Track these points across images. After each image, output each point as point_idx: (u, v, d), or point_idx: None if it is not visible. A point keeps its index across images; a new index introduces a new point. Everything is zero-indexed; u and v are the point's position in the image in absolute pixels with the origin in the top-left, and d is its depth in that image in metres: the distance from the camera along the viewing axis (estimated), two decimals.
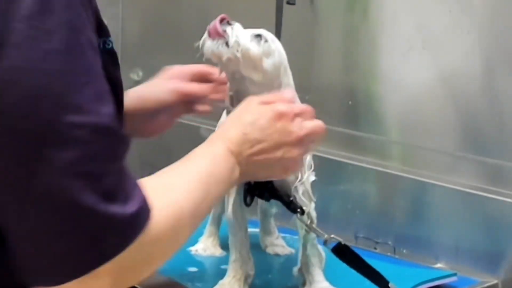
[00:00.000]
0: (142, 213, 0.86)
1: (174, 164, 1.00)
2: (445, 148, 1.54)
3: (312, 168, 1.30)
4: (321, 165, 1.37)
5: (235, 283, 1.31)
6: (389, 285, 1.22)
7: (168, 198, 0.93)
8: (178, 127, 1.93)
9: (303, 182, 1.28)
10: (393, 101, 1.63)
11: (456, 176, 1.51)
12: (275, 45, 1.22)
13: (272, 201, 1.31)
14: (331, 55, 1.74)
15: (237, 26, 1.20)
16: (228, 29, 1.18)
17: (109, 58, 0.94)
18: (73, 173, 0.80)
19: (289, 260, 1.45)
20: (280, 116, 1.10)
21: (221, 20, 1.19)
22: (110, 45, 0.95)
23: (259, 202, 1.42)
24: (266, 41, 1.21)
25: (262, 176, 1.16)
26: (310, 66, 1.76)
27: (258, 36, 1.21)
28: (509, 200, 1.41)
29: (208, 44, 1.19)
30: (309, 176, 1.29)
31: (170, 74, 1.36)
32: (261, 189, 1.27)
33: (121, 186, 0.84)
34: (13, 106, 0.79)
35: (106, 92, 0.85)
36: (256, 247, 1.49)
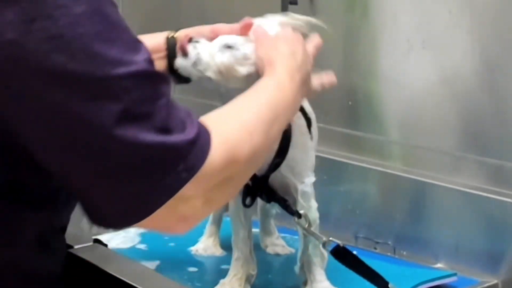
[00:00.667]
0: (202, 139, 0.92)
1: (242, 96, 1.08)
2: (445, 148, 1.54)
3: (313, 169, 1.30)
4: (321, 165, 1.37)
5: (236, 282, 1.31)
6: (389, 286, 1.22)
7: (240, 121, 1.02)
8: None
9: (303, 183, 1.28)
10: (393, 101, 1.63)
11: (457, 176, 1.51)
12: (248, 48, 1.22)
13: (273, 203, 1.31)
14: (331, 55, 1.73)
15: (201, 43, 1.20)
16: (191, 47, 1.20)
17: None
18: (127, 119, 0.87)
19: (290, 260, 1.45)
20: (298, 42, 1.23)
21: (189, 40, 1.21)
22: None
23: (260, 203, 1.43)
24: (237, 49, 1.21)
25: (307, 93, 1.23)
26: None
27: (228, 46, 1.21)
28: (509, 200, 1.41)
29: (179, 62, 1.21)
30: (310, 179, 1.29)
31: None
32: (260, 191, 1.27)
33: (173, 118, 0.91)
34: (59, 72, 0.85)
35: (136, 40, 0.91)
36: (256, 247, 1.49)
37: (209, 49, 1.20)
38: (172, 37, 1.29)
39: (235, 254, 1.32)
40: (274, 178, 1.27)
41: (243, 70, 1.21)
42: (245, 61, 1.21)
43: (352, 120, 1.69)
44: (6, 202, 0.92)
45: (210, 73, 1.20)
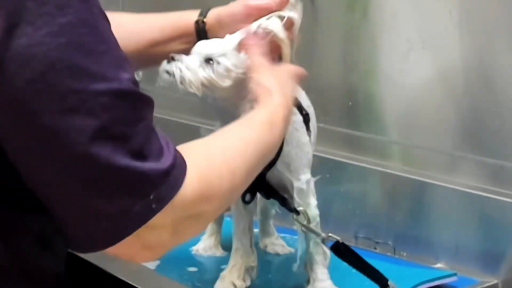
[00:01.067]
0: (179, 167, 0.90)
1: (232, 127, 1.06)
2: (445, 148, 1.54)
3: (310, 166, 1.30)
4: (321, 165, 1.38)
5: (235, 272, 1.31)
6: (388, 283, 1.22)
7: (224, 158, 0.98)
8: (178, 127, 1.93)
9: (299, 180, 1.28)
10: (393, 101, 1.63)
11: (456, 176, 1.51)
12: (229, 59, 1.22)
13: (272, 201, 1.32)
14: (331, 55, 1.74)
15: (182, 61, 1.21)
16: (174, 67, 1.21)
17: None
18: (103, 138, 0.84)
19: (289, 259, 1.45)
20: (296, 75, 1.22)
21: (170, 59, 1.22)
22: None
23: (259, 204, 1.43)
24: (218, 63, 1.22)
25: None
26: (310, 66, 1.75)
27: (208, 59, 1.22)
28: (509, 200, 1.41)
29: (166, 80, 1.22)
30: (306, 176, 1.29)
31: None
32: (259, 188, 1.27)
33: (151, 144, 0.88)
34: (37, 81, 0.82)
35: (124, 58, 0.89)
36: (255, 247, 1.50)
37: (191, 66, 1.21)
38: (202, 21, 1.27)
39: (235, 245, 1.33)
40: (271, 175, 1.27)
41: (225, 83, 1.22)
42: (226, 73, 1.22)
43: (352, 120, 1.69)
44: (6, 204, 0.92)
45: (194, 90, 1.21)
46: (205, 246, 1.50)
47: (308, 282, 1.32)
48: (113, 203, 0.86)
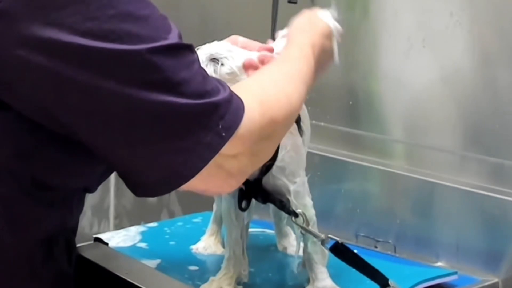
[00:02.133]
0: (235, 97, 0.98)
1: (271, 64, 1.17)
2: (446, 146, 1.54)
3: (304, 167, 1.30)
4: (322, 163, 1.38)
5: (226, 280, 1.31)
6: (389, 282, 1.22)
7: (277, 86, 1.08)
8: None
9: (295, 183, 1.28)
10: (394, 99, 1.63)
11: (457, 175, 1.51)
12: (235, 61, 1.22)
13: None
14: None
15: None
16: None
17: None
18: (169, 87, 0.92)
19: (290, 259, 1.46)
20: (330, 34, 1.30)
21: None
22: None
23: (271, 205, 1.43)
24: (222, 64, 1.21)
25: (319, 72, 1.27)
26: None
27: (213, 59, 1.22)
28: (509, 198, 1.41)
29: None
30: (302, 178, 1.29)
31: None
32: (254, 193, 1.28)
33: (208, 83, 0.96)
34: (96, 53, 0.89)
35: (165, 16, 0.97)
36: (268, 247, 1.51)
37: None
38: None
39: (227, 253, 1.33)
40: (266, 181, 1.27)
41: (229, 84, 1.20)
42: (229, 76, 1.21)
43: (353, 118, 1.69)
44: (27, 199, 0.93)
45: None
46: (205, 245, 1.50)
47: (308, 281, 1.32)
48: (186, 138, 0.93)
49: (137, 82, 0.91)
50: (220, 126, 0.95)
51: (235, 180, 1.02)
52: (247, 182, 1.27)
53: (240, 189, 1.28)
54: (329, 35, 1.27)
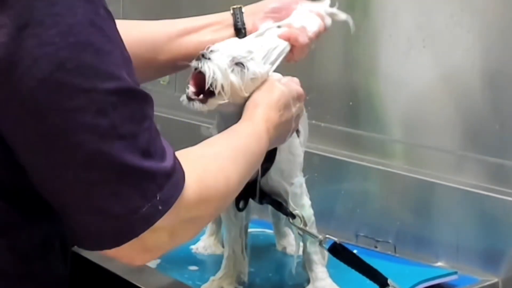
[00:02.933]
0: (179, 168, 0.91)
1: (220, 137, 1.10)
2: (446, 146, 1.54)
3: (301, 169, 1.30)
4: (322, 163, 1.38)
5: (226, 279, 1.31)
6: (388, 281, 1.22)
7: (218, 165, 1.01)
8: (178, 126, 1.93)
9: (293, 184, 1.28)
10: (394, 99, 1.63)
11: (457, 175, 1.51)
12: (257, 63, 1.20)
13: None
14: (332, 54, 1.74)
15: (212, 60, 1.17)
16: (204, 65, 1.17)
17: None
18: (113, 136, 0.85)
19: (290, 259, 1.45)
20: (300, 97, 1.24)
21: (198, 57, 1.18)
22: None
23: (270, 206, 1.43)
24: (247, 68, 1.19)
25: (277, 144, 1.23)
26: (311, 65, 1.75)
27: (238, 63, 1.19)
28: (510, 198, 1.41)
29: (193, 75, 1.18)
30: (299, 180, 1.29)
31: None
32: (252, 194, 1.28)
33: (156, 143, 0.89)
34: (47, 80, 0.83)
35: (128, 58, 0.90)
36: (267, 247, 1.51)
37: (222, 67, 1.17)
38: (240, 7, 1.30)
39: (227, 252, 1.33)
40: (264, 182, 1.27)
41: (247, 93, 1.19)
42: (251, 82, 1.19)
43: (353, 118, 1.69)
44: (12, 206, 0.92)
45: (223, 94, 1.17)
46: (205, 245, 1.50)
47: (308, 281, 1.32)
48: (122, 203, 0.86)
49: (81, 120, 0.84)
50: (158, 198, 0.88)
51: (149, 255, 0.94)
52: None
53: None
54: (287, 103, 1.19)
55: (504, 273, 1.41)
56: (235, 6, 1.29)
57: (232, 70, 1.18)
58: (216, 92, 1.17)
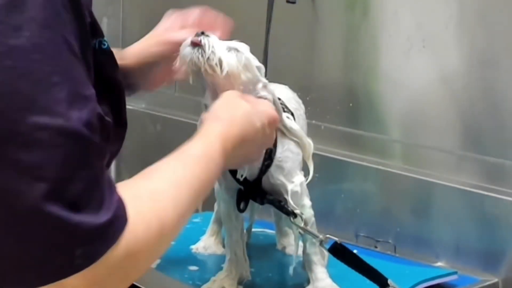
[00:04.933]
0: (116, 224, 0.79)
1: (164, 164, 0.94)
2: (446, 146, 1.54)
3: (301, 167, 1.30)
4: (322, 163, 1.38)
5: (228, 281, 1.32)
6: (388, 282, 1.22)
7: (153, 208, 0.86)
8: (178, 126, 1.93)
9: (293, 182, 1.28)
10: (393, 99, 1.63)
11: (457, 175, 1.51)
12: (249, 56, 1.21)
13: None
14: (332, 54, 1.74)
15: (213, 38, 1.19)
16: (205, 40, 1.18)
17: (107, 59, 0.93)
18: (34, 176, 0.75)
19: (290, 259, 1.45)
20: (271, 122, 1.15)
21: (201, 33, 1.19)
22: (106, 45, 0.92)
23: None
24: (242, 52, 1.20)
25: (233, 166, 1.16)
26: (311, 65, 1.76)
27: (235, 49, 1.20)
28: (509, 198, 1.41)
29: (187, 50, 1.18)
30: (299, 178, 1.29)
31: (166, 24, 1.32)
32: (253, 195, 1.28)
33: (91, 195, 0.78)
34: None
35: (84, 97, 0.79)
36: (267, 247, 1.51)
37: (221, 47, 1.19)
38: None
39: (229, 255, 1.33)
40: (265, 180, 1.27)
41: (243, 76, 1.20)
42: (246, 67, 1.20)
43: (353, 119, 1.69)
44: None
45: (218, 70, 1.17)
46: (205, 245, 1.50)
47: (308, 281, 1.32)
48: (31, 251, 0.76)
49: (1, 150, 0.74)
50: (78, 253, 0.77)
51: None
52: (246, 183, 1.27)
53: (239, 190, 1.28)
54: (253, 123, 1.10)
55: (504, 273, 1.42)
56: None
57: (229, 51, 1.19)
58: (214, 65, 1.17)
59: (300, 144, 1.28)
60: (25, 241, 0.76)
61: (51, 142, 0.75)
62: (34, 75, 0.76)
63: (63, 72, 0.78)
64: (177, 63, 1.20)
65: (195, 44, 1.18)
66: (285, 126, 1.25)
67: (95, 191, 0.78)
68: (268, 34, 1.63)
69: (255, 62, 1.22)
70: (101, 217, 0.78)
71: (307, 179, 1.30)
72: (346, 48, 1.70)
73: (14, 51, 0.75)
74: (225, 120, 1.07)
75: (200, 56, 1.17)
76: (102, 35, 0.92)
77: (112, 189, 0.81)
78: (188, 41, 1.19)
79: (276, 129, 1.24)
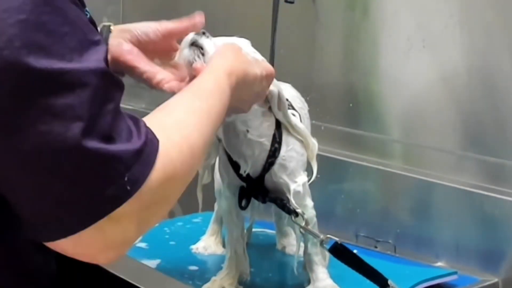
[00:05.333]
0: (150, 146, 0.85)
1: (180, 98, 1.01)
2: (446, 146, 1.54)
3: (305, 168, 1.30)
4: (322, 163, 1.37)
5: (228, 280, 1.31)
6: (388, 282, 1.22)
7: (181, 134, 0.92)
8: None
9: (296, 182, 1.28)
10: (394, 99, 1.63)
11: (457, 175, 1.51)
12: (249, 50, 1.20)
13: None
14: (332, 54, 1.74)
15: (212, 40, 1.18)
16: (206, 41, 1.18)
17: None
18: (69, 118, 0.79)
19: (290, 259, 1.45)
20: (269, 75, 1.17)
21: (203, 33, 1.19)
22: (88, 15, 0.95)
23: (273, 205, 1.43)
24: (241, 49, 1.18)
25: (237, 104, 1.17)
26: (311, 65, 1.76)
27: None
28: (509, 198, 1.41)
29: (185, 52, 1.18)
30: (302, 178, 1.29)
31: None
32: (255, 192, 1.28)
33: (119, 125, 0.83)
34: None
35: (95, 42, 0.85)
36: (267, 247, 1.51)
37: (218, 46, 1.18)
38: (109, 26, 1.21)
39: (229, 253, 1.33)
40: (267, 178, 1.27)
41: None
42: None
43: (353, 119, 1.69)
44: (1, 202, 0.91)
45: None
46: (205, 245, 1.50)
47: (308, 281, 1.32)
48: (80, 187, 0.80)
49: (31, 100, 0.79)
50: (125, 179, 0.82)
51: (114, 252, 0.86)
52: (249, 180, 1.27)
53: (241, 187, 1.28)
54: (253, 67, 1.14)
55: (504, 273, 1.42)
56: (105, 24, 1.22)
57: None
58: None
59: (304, 143, 1.28)
60: (74, 180, 0.80)
61: (77, 83, 0.80)
62: (47, 26, 0.80)
63: (71, 21, 0.82)
64: (176, 58, 1.20)
65: (194, 45, 1.17)
66: (290, 123, 1.25)
67: (122, 121, 0.84)
68: (274, 34, 1.63)
69: (256, 56, 1.21)
70: (135, 143, 0.84)
71: (310, 179, 1.30)
72: (346, 48, 1.70)
73: (25, 5, 0.79)
74: (230, 57, 1.11)
75: (196, 57, 1.17)
76: (84, 5, 0.95)
77: (136, 119, 0.87)
78: (188, 40, 1.18)
79: (282, 127, 1.25)
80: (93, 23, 0.96)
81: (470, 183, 1.48)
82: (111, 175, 0.82)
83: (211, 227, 1.52)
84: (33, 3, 0.80)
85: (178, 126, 0.94)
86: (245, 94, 1.13)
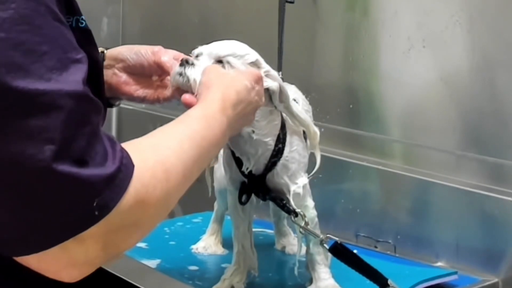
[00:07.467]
0: (124, 171, 0.84)
1: (165, 126, 0.99)
2: (446, 146, 1.54)
3: (305, 170, 1.30)
4: (322, 163, 1.37)
5: (237, 275, 1.32)
6: (388, 282, 1.22)
7: (157, 157, 0.91)
8: None
9: (296, 184, 1.28)
10: (394, 99, 1.63)
11: (457, 175, 1.51)
12: (238, 65, 1.19)
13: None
14: (332, 54, 1.74)
15: (194, 64, 1.17)
16: (186, 70, 1.16)
17: (84, 37, 0.94)
18: (41, 140, 0.78)
19: (291, 258, 1.46)
20: (258, 80, 1.17)
21: (181, 63, 1.18)
22: (84, 24, 0.95)
23: (271, 205, 1.43)
24: (229, 64, 1.18)
25: (239, 129, 1.18)
26: (311, 65, 1.76)
27: (219, 61, 1.18)
28: (509, 198, 1.41)
29: (177, 79, 1.17)
30: (303, 180, 1.29)
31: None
32: (255, 189, 1.28)
33: (94, 149, 0.82)
34: None
35: (76, 60, 0.84)
36: (266, 247, 1.51)
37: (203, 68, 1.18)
38: (102, 52, 1.22)
39: (236, 248, 1.33)
40: (269, 178, 1.28)
41: None
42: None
43: (353, 119, 1.69)
44: None
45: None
46: (205, 244, 1.50)
47: (310, 281, 1.32)
48: (48, 209, 0.80)
49: (5, 120, 0.78)
50: (94, 204, 0.81)
51: (77, 271, 0.85)
52: (251, 177, 1.27)
53: (243, 182, 1.28)
54: (243, 83, 1.13)
55: (504, 273, 1.42)
56: (100, 49, 1.21)
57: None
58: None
59: (306, 132, 1.28)
60: (42, 201, 0.80)
61: (52, 105, 0.79)
62: (25, 45, 0.79)
63: (50, 39, 0.82)
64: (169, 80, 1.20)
65: (181, 76, 1.17)
66: (291, 112, 1.25)
67: (97, 145, 0.83)
68: (281, 35, 1.62)
69: (250, 57, 1.20)
70: (108, 168, 0.83)
71: (314, 169, 1.29)
72: (346, 48, 1.70)
73: (3, 24, 0.79)
74: (218, 86, 1.10)
75: (186, 83, 1.16)
76: (79, 13, 0.94)
77: (113, 142, 0.86)
78: (176, 68, 1.18)
79: (286, 127, 1.25)
80: (88, 32, 0.96)
81: (470, 183, 1.48)
82: (80, 199, 0.81)
83: (211, 226, 1.52)
84: (11, 21, 0.79)
85: (153, 149, 0.92)
86: (245, 109, 1.13)
